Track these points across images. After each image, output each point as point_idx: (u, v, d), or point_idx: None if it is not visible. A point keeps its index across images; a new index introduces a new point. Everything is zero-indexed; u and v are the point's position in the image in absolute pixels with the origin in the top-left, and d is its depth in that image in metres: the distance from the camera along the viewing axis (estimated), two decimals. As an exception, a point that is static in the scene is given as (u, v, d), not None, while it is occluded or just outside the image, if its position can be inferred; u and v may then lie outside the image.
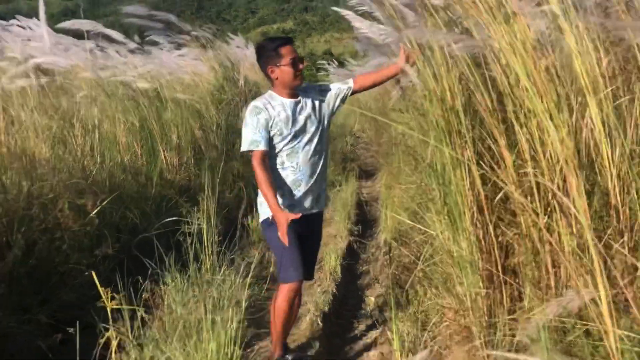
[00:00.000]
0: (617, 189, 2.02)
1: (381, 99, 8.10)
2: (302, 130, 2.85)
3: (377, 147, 8.85)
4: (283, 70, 2.81)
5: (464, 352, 2.38)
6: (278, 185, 2.84)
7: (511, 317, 2.27)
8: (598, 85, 1.96)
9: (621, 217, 2.06)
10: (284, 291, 2.86)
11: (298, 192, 2.88)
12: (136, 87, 6.15)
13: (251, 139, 2.75)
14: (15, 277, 3.08)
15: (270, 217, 2.80)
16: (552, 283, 2.28)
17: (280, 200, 2.79)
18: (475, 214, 2.34)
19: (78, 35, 6.54)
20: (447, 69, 2.23)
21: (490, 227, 2.32)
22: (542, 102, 1.88)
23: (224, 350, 2.61)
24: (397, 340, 2.81)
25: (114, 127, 5.58)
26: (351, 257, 4.87)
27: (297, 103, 2.86)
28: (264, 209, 2.88)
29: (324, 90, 3.02)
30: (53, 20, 7.37)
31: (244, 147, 2.82)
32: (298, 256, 2.85)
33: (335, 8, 3.63)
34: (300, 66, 2.86)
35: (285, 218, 2.63)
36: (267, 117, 2.76)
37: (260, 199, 2.91)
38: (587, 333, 1.99)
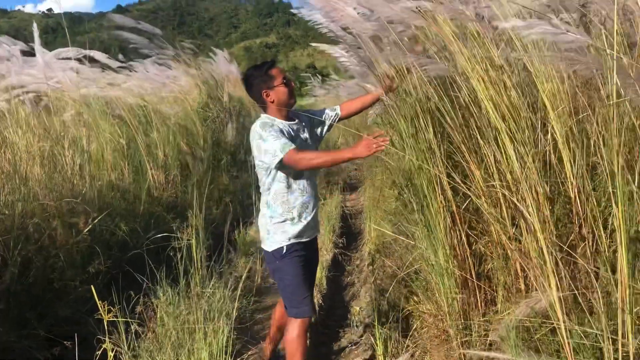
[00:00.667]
0: (578, 198, 2.21)
1: (364, 113, 8.31)
2: (304, 150, 2.78)
3: (361, 160, 9.04)
4: (278, 91, 2.80)
5: (441, 353, 2.54)
6: (288, 210, 2.78)
7: (484, 319, 2.44)
8: (558, 103, 2.15)
9: (583, 224, 2.24)
10: (299, 326, 2.81)
11: (307, 215, 2.83)
12: (122, 105, 6.29)
13: (280, 144, 2.62)
14: (13, 294, 3.19)
15: (285, 248, 2.77)
16: (522, 287, 2.46)
17: (292, 228, 2.77)
18: (448, 225, 2.51)
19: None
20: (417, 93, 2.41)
21: (463, 237, 2.49)
22: (504, 121, 2.06)
23: (215, 359, 2.74)
24: (380, 346, 2.98)
25: (101, 146, 5.69)
26: (336, 269, 5.02)
27: (295, 124, 2.86)
28: (276, 238, 2.79)
29: (314, 115, 3.03)
30: (33, 38, 7.44)
31: (279, 155, 2.61)
32: (308, 291, 2.87)
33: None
34: (292, 84, 2.89)
35: (367, 142, 2.49)
36: (279, 128, 2.72)
37: (270, 227, 2.81)
38: (553, 331, 2.16)
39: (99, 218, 4.17)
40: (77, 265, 3.87)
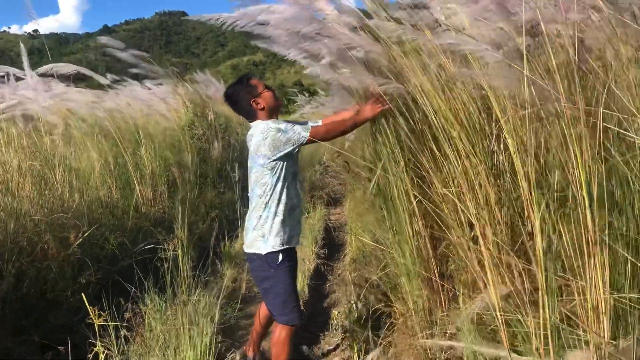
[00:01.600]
0: (528, 202, 2.44)
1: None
2: (297, 153, 2.98)
3: (345, 175, 9.28)
4: (265, 96, 2.97)
5: (407, 346, 2.76)
6: (283, 209, 2.92)
7: (446, 313, 2.66)
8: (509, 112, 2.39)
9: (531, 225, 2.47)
10: (288, 332, 2.95)
11: (296, 218, 3.00)
12: (111, 123, 6.50)
13: (299, 127, 2.85)
14: (8, 303, 3.36)
15: (280, 256, 2.88)
16: (481, 284, 2.68)
17: (286, 230, 2.92)
18: (413, 229, 2.74)
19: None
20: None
21: (427, 240, 2.72)
22: (459, 135, 2.30)
23: (200, 359, 2.93)
24: (355, 346, 3.19)
25: (91, 163, 5.88)
26: (318, 278, 5.21)
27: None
28: (271, 242, 2.90)
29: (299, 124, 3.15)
30: (19, 59, 7.62)
31: (304, 135, 2.82)
32: (297, 299, 3.03)
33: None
34: (273, 88, 3.06)
35: (372, 105, 2.76)
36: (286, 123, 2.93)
37: (266, 230, 2.91)
38: (507, 322, 2.38)
39: (89, 232, 4.35)
40: (68, 276, 4.05)
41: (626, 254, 1.62)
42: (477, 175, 2.40)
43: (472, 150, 2.40)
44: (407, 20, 2.43)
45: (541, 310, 1.82)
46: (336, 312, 4.06)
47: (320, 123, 3.17)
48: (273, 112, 3.04)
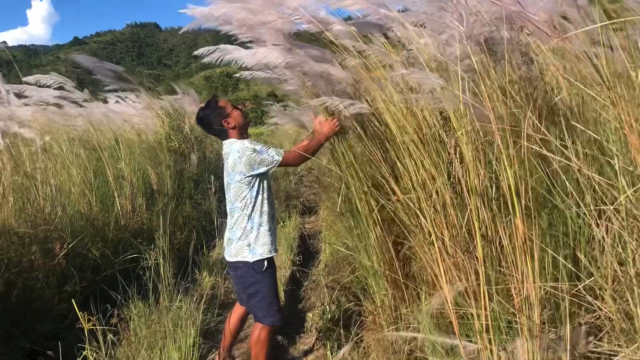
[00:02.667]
0: (479, 207, 2.73)
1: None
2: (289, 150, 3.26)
3: (319, 185, 9.54)
4: (235, 115, 3.23)
5: (375, 339, 3.02)
6: (266, 220, 3.18)
7: (410, 309, 2.93)
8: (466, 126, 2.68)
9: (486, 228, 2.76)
10: (266, 331, 3.21)
11: (274, 227, 3.29)
12: (90, 137, 6.67)
13: (274, 150, 3.12)
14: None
15: (266, 263, 3.15)
16: (441, 283, 2.96)
17: (269, 239, 3.18)
18: (377, 234, 3.01)
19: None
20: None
21: (390, 244, 2.99)
22: (416, 148, 2.58)
23: (185, 357, 3.15)
24: (328, 344, 3.44)
25: (71, 177, 6.04)
26: (294, 283, 5.45)
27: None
28: (258, 250, 3.14)
29: None
30: None
31: (277, 158, 3.10)
32: (279, 301, 3.33)
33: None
34: (240, 106, 3.35)
35: (328, 123, 3.10)
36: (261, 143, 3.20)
37: (252, 240, 3.15)
38: (463, 316, 2.65)
39: (73, 243, 4.53)
40: (54, 286, 4.22)
41: (549, 250, 1.91)
42: (435, 183, 2.69)
43: (431, 161, 2.69)
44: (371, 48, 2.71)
45: (481, 299, 2.09)
46: (311, 315, 4.29)
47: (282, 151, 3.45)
48: (243, 129, 3.30)
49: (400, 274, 3.01)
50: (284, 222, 7.65)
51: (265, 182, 3.21)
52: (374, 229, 3.02)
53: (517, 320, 2.07)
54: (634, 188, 1.59)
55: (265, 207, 3.19)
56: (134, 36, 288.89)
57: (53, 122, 6.97)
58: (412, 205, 2.57)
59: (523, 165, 1.86)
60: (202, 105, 3.42)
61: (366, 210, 3.02)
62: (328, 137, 3.17)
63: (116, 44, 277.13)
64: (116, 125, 8.09)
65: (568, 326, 2.22)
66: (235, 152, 3.13)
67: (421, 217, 2.67)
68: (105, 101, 9.72)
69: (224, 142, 3.30)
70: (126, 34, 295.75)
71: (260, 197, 3.17)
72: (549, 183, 2.08)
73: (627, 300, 1.80)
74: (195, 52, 3.34)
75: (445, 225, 2.54)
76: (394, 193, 2.81)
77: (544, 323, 2.24)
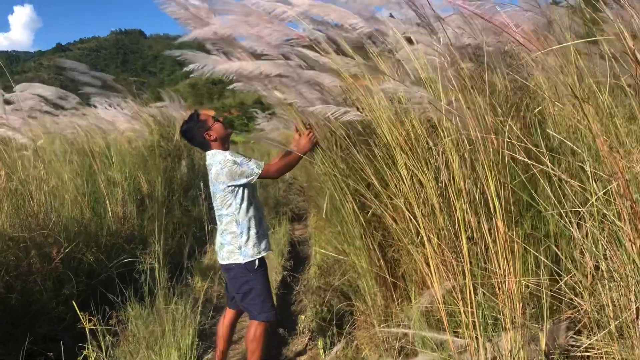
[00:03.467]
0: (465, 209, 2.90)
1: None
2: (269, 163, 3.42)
3: (308, 192, 9.69)
4: (216, 128, 3.40)
5: (367, 337, 3.17)
6: (253, 225, 3.35)
7: (399, 308, 3.08)
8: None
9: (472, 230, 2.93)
10: (261, 328, 3.36)
11: (264, 229, 3.48)
12: (81, 144, 6.76)
13: (254, 163, 3.29)
14: (-1, 315, 3.63)
15: (257, 262, 3.33)
16: (429, 282, 3.11)
17: (259, 240, 3.36)
18: (363, 238, 3.18)
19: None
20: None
21: (376, 247, 3.16)
22: (402, 153, 2.74)
23: (183, 356, 3.27)
24: (321, 342, 3.58)
25: (64, 183, 6.13)
26: (285, 288, 5.58)
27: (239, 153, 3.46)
28: (249, 252, 3.32)
29: None
30: None
31: (257, 171, 3.26)
32: (273, 298, 3.49)
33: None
34: (221, 119, 3.52)
35: (306, 138, 3.30)
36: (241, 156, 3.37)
37: (242, 243, 3.32)
38: (452, 313, 2.81)
39: (69, 248, 4.63)
40: (50, 289, 4.31)
41: (531, 249, 2.07)
42: (424, 188, 2.85)
43: (421, 168, 2.85)
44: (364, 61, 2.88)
45: (467, 295, 2.25)
46: (303, 317, 4.43)
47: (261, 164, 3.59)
48: (225, 140, 3.47)
49: (388, 275, 3.16)
50: (274, 228, 7.78)
51: (248, 189, 3.36)
52: (360, 236, 3.18)
53: (502, 314, 2.23)
54: (604, 191, 1.76)
55: (252, 212, 3.36)
56: (118, 43, 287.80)
57: (44, 128, 7.04)
58: (402, 209, 2.72)
59: (504, 170, 2.03)
60: (186, 118, 3.58)
61: (351, 217, 3.19)
62: (306, 151, 3.36)
63: (100, 51, 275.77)
64: (106, 132, 8.17)
65: (548, 320, 2.39)
66: (218, 164, 3.31)
67: (411, 220, 2.83)
68: (94, 106, 9.75)
69: (207, 153, 3.46)
70: (110, 41, 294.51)
71: (244, 203, 3.33)
72: (529, 188, 2.25)
73: (600, 293, 1.96)
74: (187, 68, 3.44)
75: (433, 228, 2.70)
76: (386, 198, 2.96)
77: (528, 320, 2.41)
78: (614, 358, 1.94)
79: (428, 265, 2.64)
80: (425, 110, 2.23)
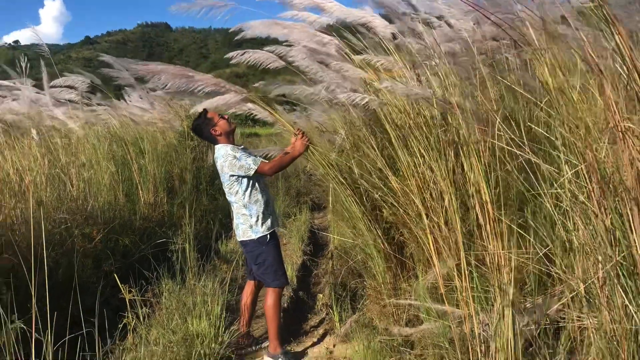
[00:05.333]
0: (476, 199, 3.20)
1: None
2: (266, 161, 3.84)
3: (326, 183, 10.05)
4: (220, 124, 3.85)
5: (378, 310, 3.51)
6: (260, 206, 3.79)
7: (407, 284, 3.40)
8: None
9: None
10: (275, 295, 3.81)
11: (272, 209, 3.91)
12: (118, 134, 7.19)
13: (252, 159, 3.71)
14: (49, 288, 4.03)
15: (268, 236, 3.79)
16: (435, 262, 3.43)
17: (267, 219, 3.80)
18: (367, 224, 3.53)
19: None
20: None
21: (380, 232, 3.50)
22: (419, 143, 3.06)
23: (213, 324, 3.64)
24: (336, 316, 3.92)
25: (101, 170, 6.57)
26: (305, 270, 5.94)
27: (242, 147, 3.92)
28: (260, 229, 3.78)
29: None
30: (1, 70, 8.17)
31: (253, 167, 3.67)
32: (284, 267, 3.96)
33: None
34: (226, 116, 3.94)
35: (300, 141, 3.76)
36: (242, 150, 3.83)
37: (252, 222, 3.77)
38: (453, 289, 3.12)
39: (108, 229, 5.05)
40: (90, 267, 4.72)
41: (514, 227, 2.38)
42: (433, 173, 3.16)
43: (432, 157, 3.17)
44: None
45: (462, 267, 2.56)
46: (321, 295, 4.78)
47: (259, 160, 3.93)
48: (229, 135, 3.91)
49: (393, 257, 3.50)
50: (295, 216, 8.14)
51: (252, 177, 3.78)
52: (361, 220, 3.54)
53: (492, 285, 2.54)
54: (572, 172, 2.06)
55: (257, 196, 3.82)
56: (144, 36, 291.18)
57: (84, 118, 7.48)
58: (412, 191, 3.03)
59: (493, 158, 2.33)
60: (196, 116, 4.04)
61: (357, 212, 3.56)
62: (301, 153, 3.81)
63: (127, 44, 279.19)
64: (138, 123, 8.59)
65: (538, 294, 2.69)
66: (221, 157, 3.79)
67: (419, 204, 3.14)
68: (127, 97, 10.13)
69: (215, 147, 3.92)
70: (137, 34, 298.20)
71: (249, 190, 3.79)
72: (517, 175, 2.55)
73: (575, 267, 2.25)
74: (228, 55, 3.93)
75: (441, 211, 3.01)
76: (395, 184, 3.29)
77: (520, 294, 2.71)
78: (584, 323, 2.24)
79: (435, 242, 2.95)
80: (432, 103, 2.54)
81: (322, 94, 3.67)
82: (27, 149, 5.87)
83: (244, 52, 3.96)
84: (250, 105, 3.83)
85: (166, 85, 3.55)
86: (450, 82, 3.10)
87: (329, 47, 3.85)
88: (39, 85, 7.64)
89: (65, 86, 7.39)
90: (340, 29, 4.01)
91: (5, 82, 7.61)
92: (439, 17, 3.79)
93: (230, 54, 3.87)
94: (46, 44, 7.40)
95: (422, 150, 3.15)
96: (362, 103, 3.23)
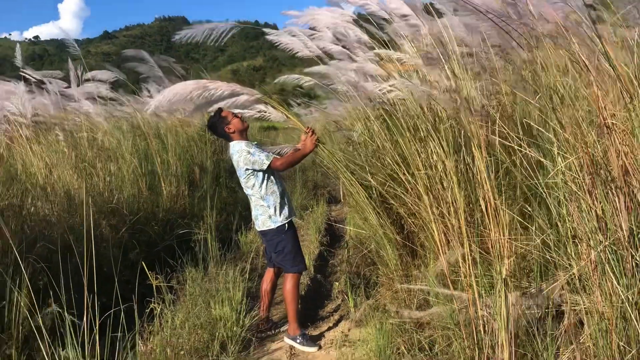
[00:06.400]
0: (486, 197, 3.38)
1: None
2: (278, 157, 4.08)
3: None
4: (234, 123, 4.08)
5: (390, 295, 3.71)
6: (276, 197, 4.02)
7: (418, 271, 3.59)
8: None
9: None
10: (294, 280, 4.07)
11: (287, 199, 4.14)
12: (142, 128, 7.46)
13: (265, 154, 3.94)
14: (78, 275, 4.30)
15: (286, 225, 4.04)
16: (446, 250, 3.62)
17: (284, 209, 4.04)
18: (377, 217, 3.73)
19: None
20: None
21: (391, 226, 3.70)
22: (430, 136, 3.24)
23: (235, 309, 3.87)
24: (351, 302, 4.13)
25: (124, 165, 6.83)
26: (321, 260, 6.16)
27: (256, 144, 4.13)
28: (278, 218, 4.02)
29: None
30: (18, 65, 8.42)
31: (266, 162, 3.89)
32: (302, 253, 4.21)
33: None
34: (240, 115, 4.17)
35: (310, 139, 3.97)
36: (255, 145, 4.06)
37: (271, 212, 4.02)
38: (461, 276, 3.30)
39: (134, 220, 5.30)
40: (117, 256, 4.98)
41: (514, 214, 2.56)
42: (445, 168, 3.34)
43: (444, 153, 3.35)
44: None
45: (465, 247, 2.75)
46: (337, 284, 4.99)
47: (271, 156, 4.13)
48: (243, 132, 4.13)
49: (404, 245, 3.69)
50: (312, 208, 8.35)
51: (267, 170, 4.00)
52: (372, 213, 3.75)
53: (494, 270, 2.72)
54: (565, 163, 2.23)
55: (273, 188, 4.06)
56: (162, 30, 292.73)
57: (109, 113, 7.76)
58: (418, 186, 3.22)
59: (494, 151, 2.52)
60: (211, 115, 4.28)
61: (368, 207, 3.77)
62: (311, 150, 4.02)
63: (145, 38, 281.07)
64: (161, 117, 8.84)
65: (541, 280, 2.87)
66: (236, 153, 4.03)
67: (426, 195, 3.33)
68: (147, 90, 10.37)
69: (230, 144, 4.16)
70: (155, 28, 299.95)
71: (265, 182, 4.03)
72: (520, 166, 2.72)
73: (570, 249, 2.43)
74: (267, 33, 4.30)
75: (451, 202, 3.19)
76: (404, 181, 3.48)
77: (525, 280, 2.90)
78: (579, 304, 2.41)
79: (444, 230, 3.14)
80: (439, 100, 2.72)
81: (342, 88, 3.88)
82: (55, 144, 6.15)
83: (279, 34, 4.20)
84: (261, 106, 4.03)
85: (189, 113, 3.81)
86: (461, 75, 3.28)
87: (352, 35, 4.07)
88: (63, 79, 7.92)
89: (97, 80, 7.69)
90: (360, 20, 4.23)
91: (36, 75, 7.85)
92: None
93: (269, 31, 4.09)
94: (65, 39, 7.67)
95: (432, 145, 3.34)
96: (391, 96, 3.43)
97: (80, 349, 3.15)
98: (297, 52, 4.41)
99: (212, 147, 8.97)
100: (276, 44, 4.42)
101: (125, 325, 3.78)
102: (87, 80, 7.53)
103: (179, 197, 7.44)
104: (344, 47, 4.33)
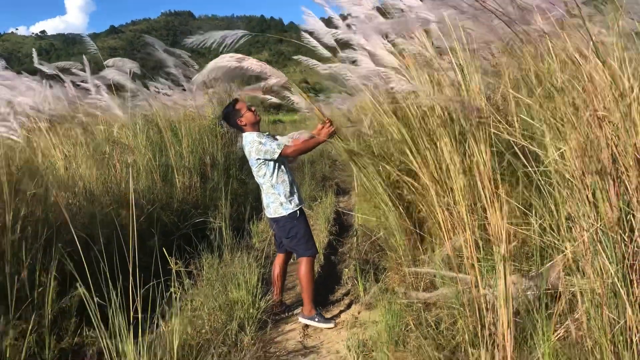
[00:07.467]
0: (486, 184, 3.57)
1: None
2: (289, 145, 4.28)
3: (348, 169, 10.46)
4: (246, 116, 4.30)
5: (398, 278, 3.91)
6: (286, 186, 4.25)
7: (426, 255, 3.80)
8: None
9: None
10: (308, 264, 4.27)
11: (296, 188, 4.36)
12: (158, 122, 7.69)
13: (276, 143, 4.15)
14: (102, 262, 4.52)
15: (298, 212, 4.26)
16: (452, 236, 3.81)
17: (294, 197, 4.26)
18: (389, 204, 3.93)
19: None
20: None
21: (402, 209, 3.89)
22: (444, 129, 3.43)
23: (251, 292, 4.09)
24: (361, 286, 4.33)
25: (139, 157, 7.06)
26: (331, 248, 6.36)
27: (267, 134, 4.35)
28: (289, 206, 4.25)
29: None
30: (28, 60, 8.67)
31: (277, 151, 4.10)
32: (313, 238, 4.42)
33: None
34: (253, 108, 4.38)
35: (325, 129, 4.12)
36: (266, 136, 4.27)
37: (282, 200, 4.24)
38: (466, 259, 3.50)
39: (152, 209, 5.52)
40: (136, 243, 5.20)
41: (510, 200, 2.75)
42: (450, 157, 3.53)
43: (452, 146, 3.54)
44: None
45: (467, 232, 2.94)
46: (347, 270, 5.19)
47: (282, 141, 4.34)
48: (255, 125, 4.35)
49: (412, 230, 3.89)
50: (321, 199, 8.56)
51: (277, 160, 4.22)
52: (384, 201, 3.95)
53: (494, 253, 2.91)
54: (558, 152, 2.42)
55: (283, 177, 4.28)
56: (168, 24, 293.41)
57: (124, 104, 7.97)
58: (434, 172, 3.42)
59: (491, 143, 2.72)
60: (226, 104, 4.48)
61: (381, 194, 3.96)
62: (324, 140, 4.18)
63: (151, 32, 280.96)
64: (173, 110, 9.06)
65: (539, 262, 3.06)
66: (249, 144, 4.24)
67: (433, 185, 3.53)
68: (159, 85, 10.55)
69: (242, 135, 4.38)
70: (161, 22, 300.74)
71: (276, 171, 4.24)
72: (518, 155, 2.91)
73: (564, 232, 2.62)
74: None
75: (458, 191, 3.38)
76: (423, 167, 3.67)
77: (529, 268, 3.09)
78: (573, 285, 2.61)
79: (450, 216, 3.33)
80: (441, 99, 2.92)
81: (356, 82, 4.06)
82: (74, 137, 6.37)
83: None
84: (287, 93, 4.21)
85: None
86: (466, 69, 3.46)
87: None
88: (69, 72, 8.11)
89: (118, 68, 7.90)
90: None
91: (50, 69, 8.04)
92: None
93: (306, 12, 4.28)
94: (72, 33, 7.93)
95: (438, 137, 3.53)
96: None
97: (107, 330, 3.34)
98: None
99: (222, 139, 9.18)
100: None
101: (149, 306, 4.02)
102: (108, 67, 7.73)
103: (191, 189, 7.67)
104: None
